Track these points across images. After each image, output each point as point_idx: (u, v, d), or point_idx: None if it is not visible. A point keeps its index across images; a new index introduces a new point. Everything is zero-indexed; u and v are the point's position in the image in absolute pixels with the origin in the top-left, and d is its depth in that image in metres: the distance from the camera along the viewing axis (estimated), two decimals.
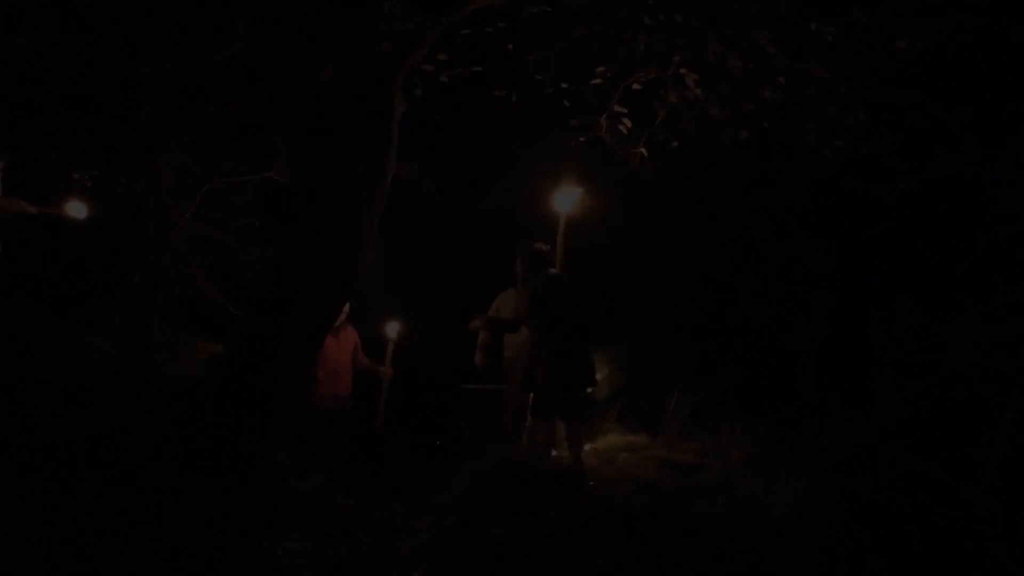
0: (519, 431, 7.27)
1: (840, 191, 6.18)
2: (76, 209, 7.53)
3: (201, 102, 8.06)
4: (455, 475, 6.32)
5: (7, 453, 4.05)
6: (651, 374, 9.44)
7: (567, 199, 7.07)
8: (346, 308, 7.82)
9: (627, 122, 6.96)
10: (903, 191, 5.93)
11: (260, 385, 5.17)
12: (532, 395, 6.42)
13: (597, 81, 6.83)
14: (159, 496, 4.30)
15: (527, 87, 7.05)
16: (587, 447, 6.87)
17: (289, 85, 5.43)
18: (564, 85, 6.94)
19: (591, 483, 5.65)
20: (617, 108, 6.91)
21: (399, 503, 6.06)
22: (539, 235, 7.16)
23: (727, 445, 6.48)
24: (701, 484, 5.86)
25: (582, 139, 7.13)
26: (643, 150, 7.11)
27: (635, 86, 6.82)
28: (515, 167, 10.52)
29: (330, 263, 5.32)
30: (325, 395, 7.54)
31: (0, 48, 7.27)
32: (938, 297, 6.34)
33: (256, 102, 8.11)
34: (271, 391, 5.19)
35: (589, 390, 6.65)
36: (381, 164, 5.69)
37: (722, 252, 9.84)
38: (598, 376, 7.02)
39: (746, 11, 5.58)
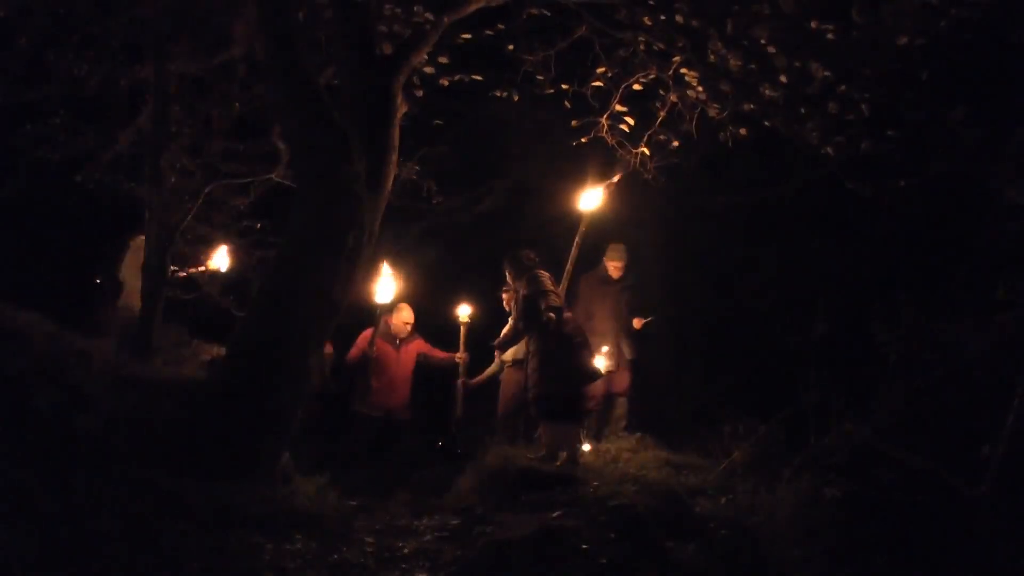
0: (516, 431, 7.28)
1: (841, 189, 6.17)
2: (218, 260, 8.33)
3: (202, 104, 8.08)
4: (458, 476, 6.32)
5: (10, 453, 4.06)
6: (653, 374, 9.42)
7: (591, 198, 7.12)
8: (410, 319, 7.89)
9: (629, 121, 6.97)
10: (904, 189, 5.92)
11: (262, 386, 5.18)
12: (530, 396, 6.44)
13: (598, 82, 6.84)
14: (161, 496, 4.31)
15: (528, 88, 7.05)
16: (589, 447, 6.87)
17: (290, 87, 5.44)
18: (565, 86, 6.94)
19: (594, 483, 5.64)
20: (618, 108, 6.92)
21: (402, 504, 6.06)
22: (540, 236, 7.18)
23: (729, 445, 6.47)
24: (704, 484, 5.86)
25: (583, 139, 7.15)
26: (644, 150, 7.12)
27: (636, 86, 6.83)
28: (516, 168, 10.53)
29: (332, 264, 5.33)
30: (376, 404, 7.72)
31: (2, 51, 7.29)
32: (940, 296, 6.33)
33: (257, 104, 8.13)
34: (273, 392, 5.20)
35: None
36: (382, 165, 5.69)
37: (723, 251, 9.84)
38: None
39: (746, 10, 5.58)
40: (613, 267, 7.71)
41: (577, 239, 7.14)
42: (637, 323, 7.70)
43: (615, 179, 7.35)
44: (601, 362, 6.95)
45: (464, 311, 7.76)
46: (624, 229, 8.57)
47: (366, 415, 7.72)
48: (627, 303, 7.71)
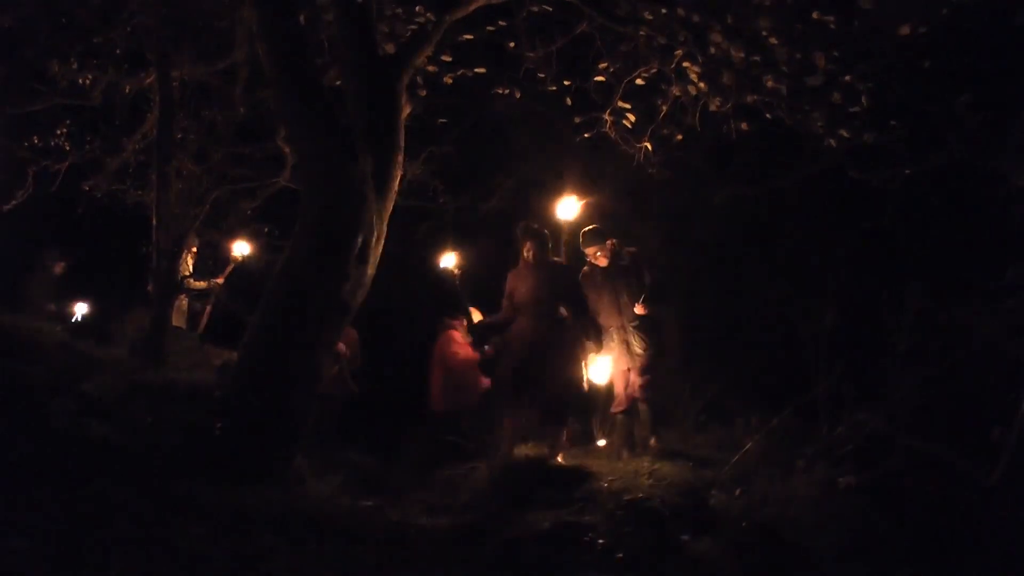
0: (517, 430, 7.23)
1: (848, 178, 6.16)
2: (239, 248, 8.73)
3: (207, 110, 8.11)
4: (471, 474, 6.33)
5: (26, 460, 4.09)
6: (664, 368, 9.40)
7: (568, 208, 7.05)
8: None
9: (631, 117, 6.97)
10: (910, 177, 5.91)
11: (273, 389, 5.19)
12: (531, 394, 6.41)
13: (600, 78, 6.84)
14: (174, 500, 4.33)
15: (530, 85, 7.06)
16: (602, 442, 6.88)
17: (294, 90, 5.45)
18: (567, 82, 6.94)
19: (608, 478, 5.65)
20: (620, 103, 6.91)
21: (416, 503, 6.07)
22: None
23: (742, 437, 6.47)
24: (718, 476, 5.85)
25: (586, 135, 7.14)
26: (647, 144, 7.11)
27: (638, 81, 6.83)
28: (520, 166, 10.52)
29: (340, 266, 5.35)
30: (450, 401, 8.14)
31: (8, 60, 7.34)
32: (948, 282, 6.32)
33: (261, 108, 8.16)
34: (284, 395, 5.21)
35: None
36: (388, 166, 5.70)
37: (731, 243, 9.83)
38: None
39: (747, 2, 5.58)
40: (592, 254, 6.85)
41: (562, 247, 7.02)
42: (639, 310, 6.70)
43: (587, 199, 7.16)
44: (600, 371, 6.71)
45: (449, 260, 7.16)
46: (628, 225, 8.57)
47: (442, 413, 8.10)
48: (625, 290, 6.78)
